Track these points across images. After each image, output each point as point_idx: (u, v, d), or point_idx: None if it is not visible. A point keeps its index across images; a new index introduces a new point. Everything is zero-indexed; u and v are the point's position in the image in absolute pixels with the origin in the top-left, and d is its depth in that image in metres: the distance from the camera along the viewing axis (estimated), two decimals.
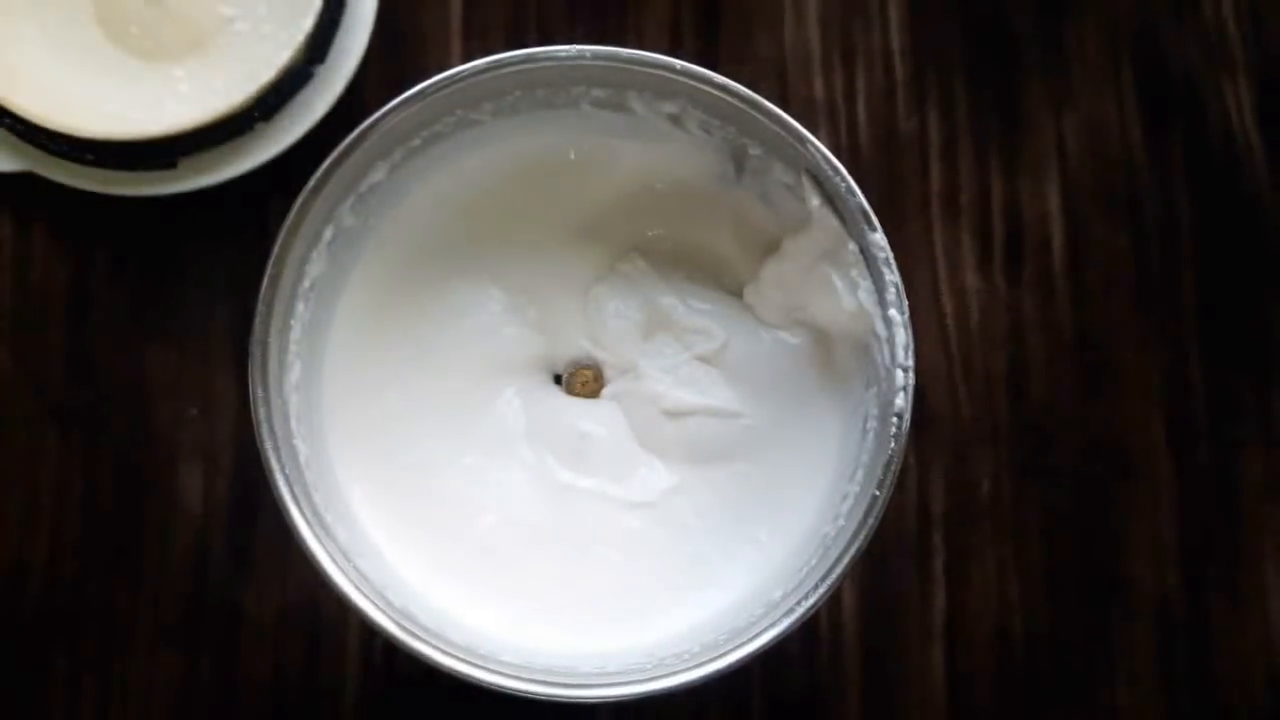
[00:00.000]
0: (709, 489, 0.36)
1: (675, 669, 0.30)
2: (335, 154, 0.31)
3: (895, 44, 0.44)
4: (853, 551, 0.30)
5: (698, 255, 0.37)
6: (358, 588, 0.30)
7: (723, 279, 0.37)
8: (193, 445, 0.41)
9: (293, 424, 0.31)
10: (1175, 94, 0.44)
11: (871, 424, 0.33)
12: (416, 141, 0.33)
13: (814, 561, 0.32)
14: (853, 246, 0.33)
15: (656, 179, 0.36)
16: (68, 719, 0.40)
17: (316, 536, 0.30)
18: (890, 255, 0.32)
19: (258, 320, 0.30)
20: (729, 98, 0.32)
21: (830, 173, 0.32)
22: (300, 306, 0.32)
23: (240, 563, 0.40)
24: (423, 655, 0.29)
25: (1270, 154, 0.44)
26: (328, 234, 0.32)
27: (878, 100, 0.44)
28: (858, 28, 0.44)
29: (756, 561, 0.34)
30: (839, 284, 0.34)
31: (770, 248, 0.36)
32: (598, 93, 0.34)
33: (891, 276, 0.32)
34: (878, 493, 0.31)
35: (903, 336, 0.31)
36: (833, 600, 0.40)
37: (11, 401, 0.42)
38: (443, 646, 0.29)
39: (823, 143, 0.31)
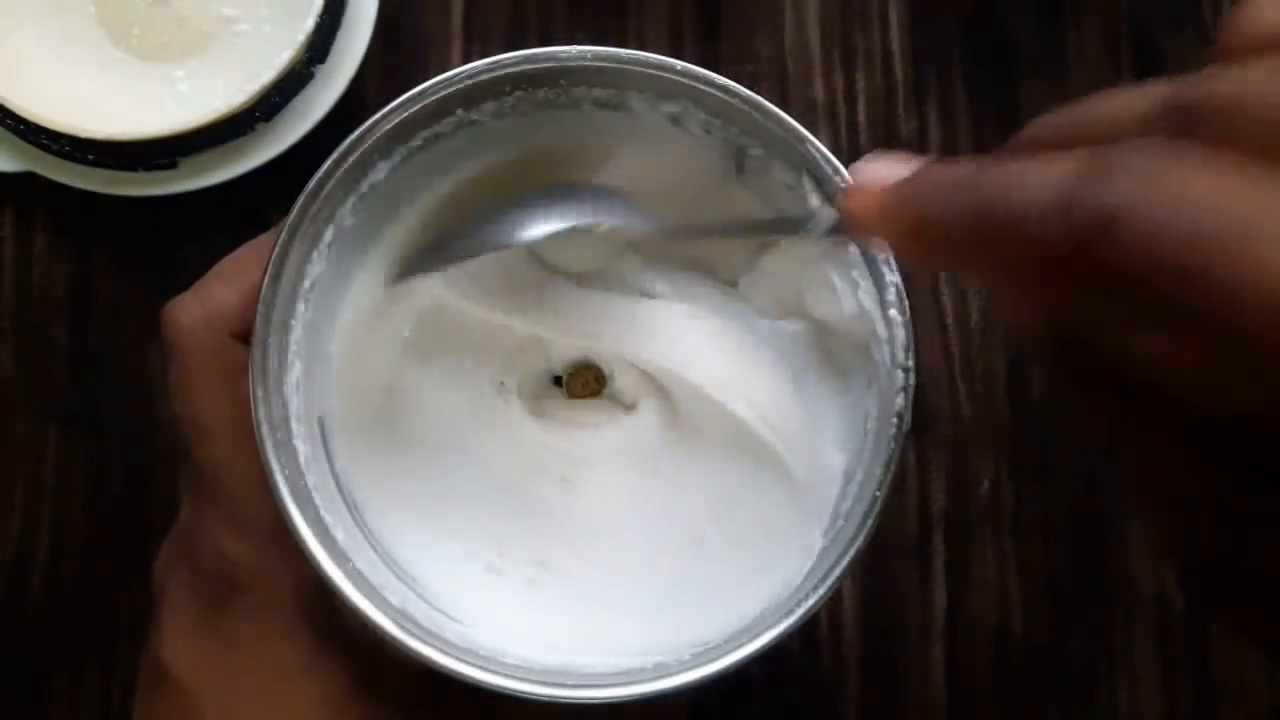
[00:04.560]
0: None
1: (675, 669, 0.30)
2: (336, 154, 0.31)
3: (895, 45, 0.44)
4: (853, 551, 0.30)
5: (695, 253, 0.37)
6: (357, 588, 0.30)
7: (718, 273, 0.37)
8: None
9: (293, 424, 0.31)
10: None
11: (871, 424, 0.33)
12: (417, 142, 0.33)
13: (814, 561, 0.32)
14: (853, 247, 0.33)
15: (656, 179, 0.36)
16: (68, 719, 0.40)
17: (316, 537, 0.30)
18: (890, 255, 0.32)
19: (258, 320, 0.30)
20: (729, 98, 0.32)
21: (830, 173, 0.32)
22: (300, 306, 0.32)
23: None
24: (423, 655, 0.29)
25: None
26: (328, 234, 0.32)
27: (878, 101, 0.44)
28: (858, 29, 0.44)
29: None
30: (839, 284, 0.34)
31: (769, 247, 0.36)
32: (598, 93, 0.34)
33: (891, 276, 0.32)
34: (878, 493, 0.31)
35: (903, 336, 0.31)
36: (833, 600, 0.40)
37: (12, 401, 0.42)
38: (443, 647, 0.30)
39: (823, 143, 0.31)
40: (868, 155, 0.23)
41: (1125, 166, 0.16)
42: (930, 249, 0.20)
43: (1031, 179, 0.18)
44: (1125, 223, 0.16)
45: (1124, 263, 0.16)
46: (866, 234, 0.22)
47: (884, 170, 0.21)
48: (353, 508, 0.34)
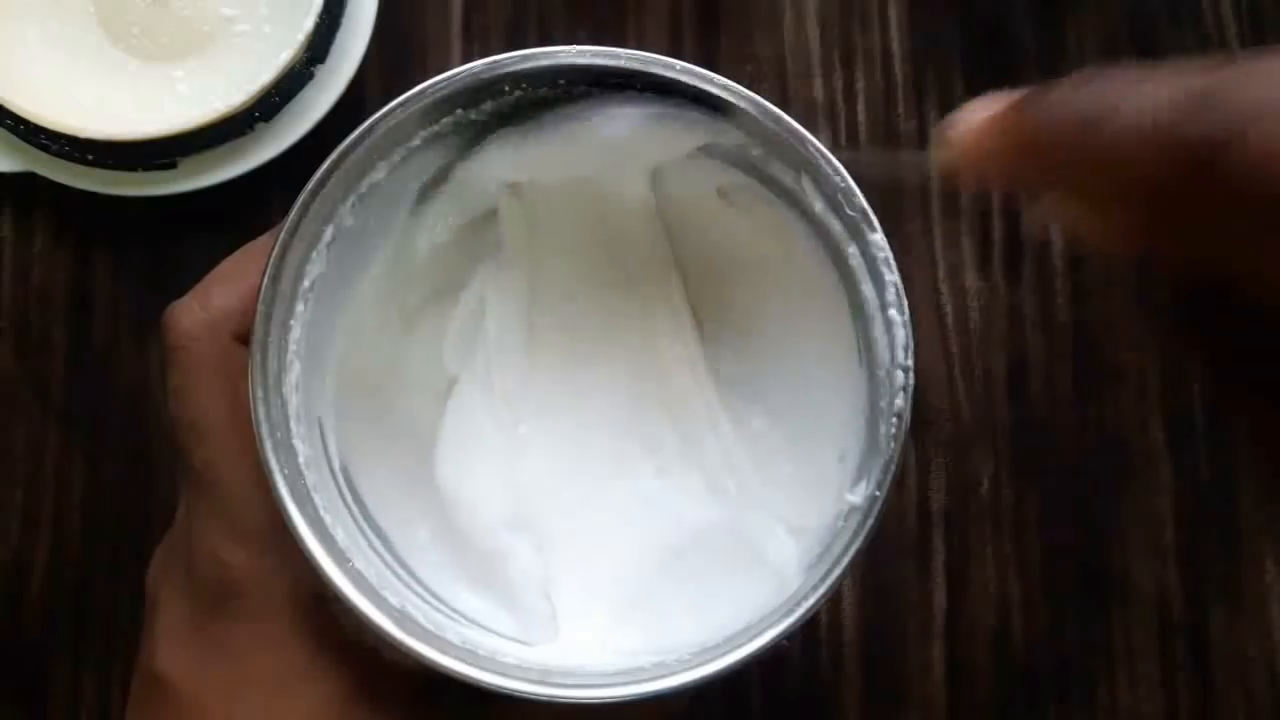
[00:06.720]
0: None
1: (675, 669, 0.30)
2: (335, 154, 0.31)
3: (895, 44, 0.44)
4: (853, 551, 0.30)
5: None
6: (357, 588, 0.30)
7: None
8: None
9: (292, 424, 0.31)
10: None
11: (871, 424, 0.33)
12: (417, 142, 0.33)
13: (814, 561, 0.32)
14: (853, 248, 0.33)
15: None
16: None
17: (316, 537, 0.30)
18: (890, 255, 0.32)
19: (257, 320, 0.30)
20: (729, 98, 0.32)
21: (830, 172, 0.32)
22: (300, 306, 0.32)
23: None
24: (423, 655, 0.29)
25: None
26: (328, 234, 0.32)
27: (878, 101, 0.44)
28: (857, 28, 0.44)
29: None
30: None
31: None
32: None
33: (891, 277, 0.32)
34: (878, 493, 0.31)
35: (903, 336, 0.31)
36: (833, 600, 0.40)
37: (11, 401, 0.42)
38: (443, 647, 0.30)
39: (823, 143, 0.31)
40: (965, 105, 0.23)
41: (1244, 82, 0.16)
42: (1038, 169, 0.20)
43: (1145, 91, 0.17)
44: (1251, 137, 0.15)
45: (1248, 178, 0.15)
46: (971, 168, 0.22)
47: (982, 109, 0.22)
48: (355, 507, 0.34)
